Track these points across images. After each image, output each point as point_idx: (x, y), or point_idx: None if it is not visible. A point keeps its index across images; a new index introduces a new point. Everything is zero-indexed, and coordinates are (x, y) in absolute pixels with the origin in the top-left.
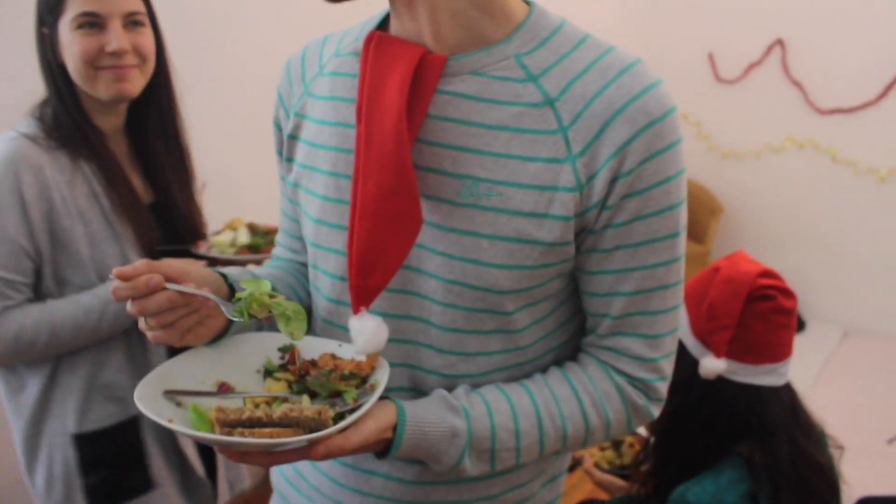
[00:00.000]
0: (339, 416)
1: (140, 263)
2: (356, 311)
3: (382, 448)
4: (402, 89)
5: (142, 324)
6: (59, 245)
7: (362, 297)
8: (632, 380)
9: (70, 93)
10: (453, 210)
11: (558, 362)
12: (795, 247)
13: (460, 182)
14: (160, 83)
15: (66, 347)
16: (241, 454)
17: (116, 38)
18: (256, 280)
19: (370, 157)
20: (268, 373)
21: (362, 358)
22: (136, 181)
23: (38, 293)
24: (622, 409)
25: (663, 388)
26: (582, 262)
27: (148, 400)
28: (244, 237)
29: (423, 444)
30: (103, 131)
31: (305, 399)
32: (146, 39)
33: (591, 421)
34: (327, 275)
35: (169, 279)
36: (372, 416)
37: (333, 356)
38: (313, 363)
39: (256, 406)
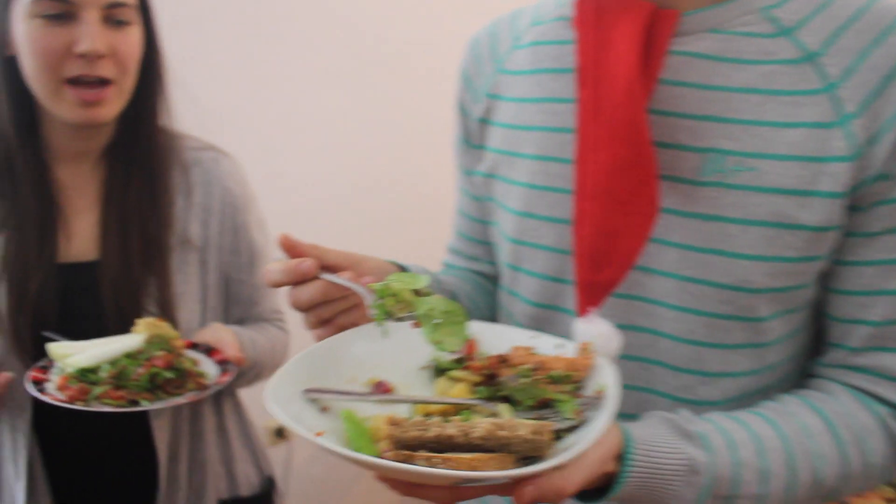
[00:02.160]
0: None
1: (306, 243)
2: (583, 313)
3: (598, 485)
4: (633, 49)
5: (305, 320)
6: None
7: (592, 294)
8: None
9: (14, 96)
10: (693, 191)
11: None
12: None
13: (701, 157)
14: (142, 99)
15: None
16: (412, 485)
17: (90, 34)
18: (411, 274)
19: (600, 127)
20: (438, 370)
21: (570, 355)
22: (85, 227)
23: None
24: (886, 449)
25: None
26: (836, 249)
27: (284, 402)
28: (85, 358)
29: (652, 481)
30: (58, 152)
31: (504, 409)
32: (128, 43)
33: (853, 464)
34: (533, 275)
35: (329, 267)
36: (595, 442)
37: (531, 350)
38: (503, 359)
39: (427, 416)
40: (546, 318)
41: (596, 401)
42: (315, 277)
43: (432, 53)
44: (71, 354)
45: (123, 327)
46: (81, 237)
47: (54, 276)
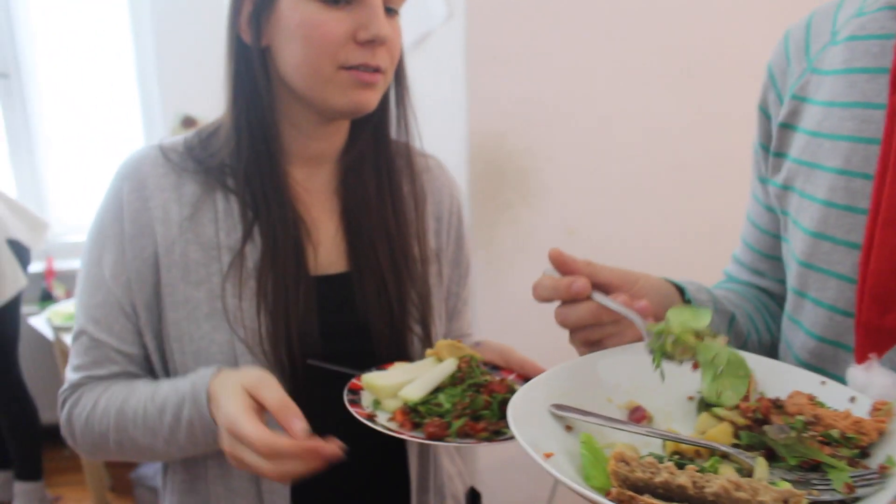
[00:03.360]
0: None
1: (579, 259)
2: (861, 359)
3: None
4: None
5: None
6: (160, 307)
7: (875, 339)
8: None
9: (268, 90)
10: None
11: None
12: None
13: None
14: (383, 102)
15: (145, 454)
16: None
17: (378, 19)
18: (693, 309)
19: None
20: (705, 404)
21: (862, 412)
22: (329, 238)
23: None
24: None
25: None
26: None
27: (525, 417)
28: (419, 388)
29: None
30: (294, 155)
31: (760, 464)
32: (399, 35)
33: None
34: (820, 305)
35: (601, 286)
36: None
37: (813, 400)
38: (778, 404)
39: (680, 460)
40: (829, 356)
41: (878, 477)
42: (587, 297)
43: (753, 61)
44: (394, 385)
45: (391, 345)
46: (326, 247)
47: (313, 291)
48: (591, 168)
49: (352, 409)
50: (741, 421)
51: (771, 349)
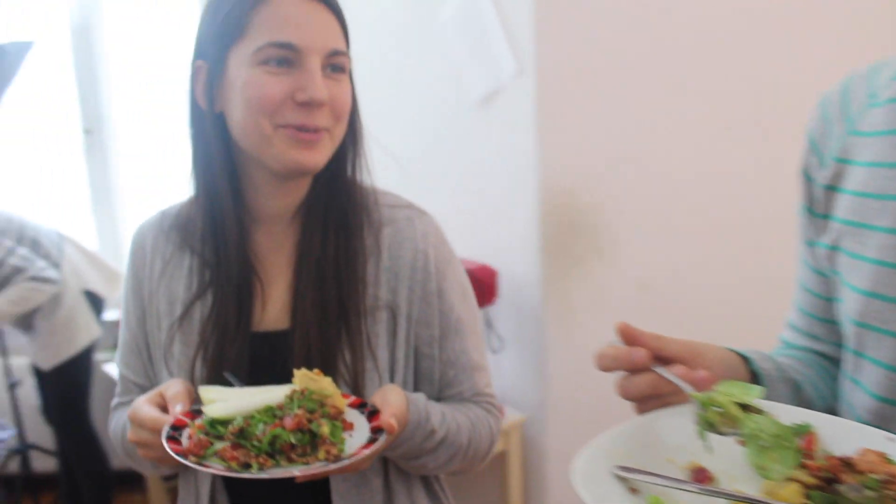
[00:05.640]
0: None
1: (647, 332)
2: None
3: None
4: None
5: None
6: (151, 348)
7: None
8: None
9: (223, 154)
10: None
11: None
12: None
13: None
14: (340, 155)
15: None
16: None
17: (314, 82)
18: (744, 384)
19: None
20: None
21: None
22: (279, 293)
23: None
24: None
25: None
26: None
27: (592, 479)
28: (225, 409)
29: None
30: (256, 214)
31: None
32: (345, 92)
33: None
34: (878, 364)
35: (668, 358)
36: None
37: (886, 458)
38: (848, 463)
39: None
40: (891, 417)
41: None
42: (648, 368)
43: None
44: (214, 401)
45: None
46: (275, 304)
47: (248, 346)
48: (663, 223)
49: (166, 426)
50: (810, 480)
51: (835, 414)
